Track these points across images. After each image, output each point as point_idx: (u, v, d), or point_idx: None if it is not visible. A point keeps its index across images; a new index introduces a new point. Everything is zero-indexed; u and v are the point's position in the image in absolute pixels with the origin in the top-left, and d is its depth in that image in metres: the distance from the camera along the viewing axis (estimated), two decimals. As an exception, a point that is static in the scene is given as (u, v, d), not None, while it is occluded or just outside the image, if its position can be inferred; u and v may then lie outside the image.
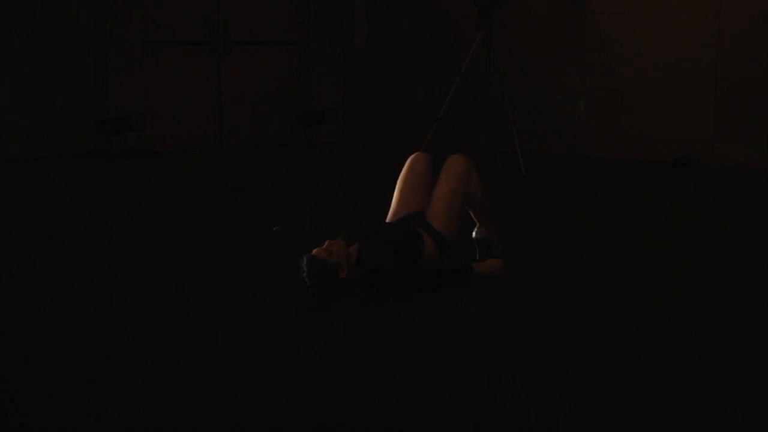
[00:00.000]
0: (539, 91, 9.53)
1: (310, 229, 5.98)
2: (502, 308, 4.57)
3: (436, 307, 4.53)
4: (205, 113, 10.01)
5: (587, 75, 9.48)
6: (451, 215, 4.82)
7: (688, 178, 8.37)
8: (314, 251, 4.48)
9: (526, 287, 4.91)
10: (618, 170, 8.77)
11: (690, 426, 3.23)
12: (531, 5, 9.68)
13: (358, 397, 3.44)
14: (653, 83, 9.10)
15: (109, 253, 5.64)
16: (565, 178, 8.47)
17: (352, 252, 4.57)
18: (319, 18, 10.54)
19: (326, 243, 4.51)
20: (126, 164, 9.07)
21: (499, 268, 4.89)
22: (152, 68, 9.62)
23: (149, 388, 3.50)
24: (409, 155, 5.11)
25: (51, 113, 9.20)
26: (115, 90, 9.41)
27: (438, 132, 8.88)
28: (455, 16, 9.98)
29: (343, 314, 4.43)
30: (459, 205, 4.86)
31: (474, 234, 5.10)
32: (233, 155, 9.92)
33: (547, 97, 9.56)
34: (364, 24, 10.46)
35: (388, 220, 4.91)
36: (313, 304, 4.47)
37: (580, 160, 9.25)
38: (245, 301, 4.63)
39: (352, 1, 10.35)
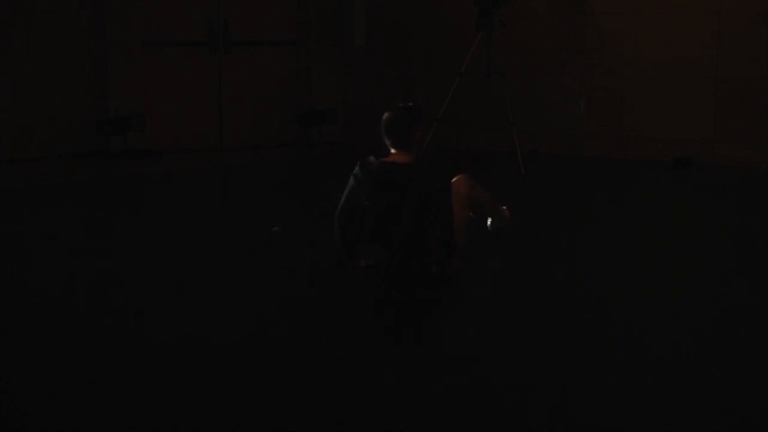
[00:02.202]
0: (539, 92, 9.53)
1: (310, 229, 5.99)
2: (502, 308, 4.57)
3: (436, 308, 4.54)
4: (205, 113, 10.02)
5: (587, 75, 9.48)
6: (459, 224, 4.83)
7: (688, 178, 8.37)
8: None
9: (526, 287, 4.91)
10: (618, 170, 8.77)
11: (690, 426, 3.23)
12: (531, 5, 9.68)
13: (358, 397, 3.44)
14: (653, 83, 9.10)
15: (109, 252, 5.64)
16: (565, 178, 8.46)
17: None
18: (319, 18, 10.54)
19: None
20: (126, 164, 9.07)
21: (509, 216, 4.98)
22: (152, 68, 9.62)
23: (149, 388, 3.51)
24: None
25: (51, 113, 9.20)
26: (115, 90, 9.41)
27: (438, 132, 8.87)
28: (455, 16, 9.98)
29: (342, 314, 4.44)
30: (462, 216, 4.89)
31: (489, 225, 5.12)
32: (233, 155, 9.92)
33: (547, 97, 9.55)
34: (364, 24, 10.46)
35: None
36: (339, 258, 4.65)
37: (580, 160, 9.24)
38: (245, 301, 4.64)
39: (352, 1, 10.35)
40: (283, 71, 10.46)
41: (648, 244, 5.88)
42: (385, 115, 4.75)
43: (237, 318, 4.35)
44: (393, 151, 4.78)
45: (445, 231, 4.68)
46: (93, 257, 5.54)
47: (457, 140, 9.77)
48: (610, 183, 8.25)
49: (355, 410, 3.32)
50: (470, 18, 8.90)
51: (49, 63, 9.12)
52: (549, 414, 3.30)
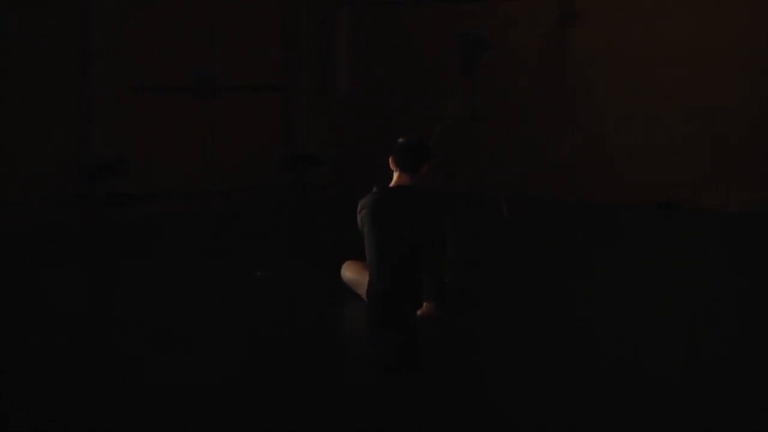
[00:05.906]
0: (524, 134, 9.61)
1: (296, 272, 6.01)
2: (504, 313, 4.59)
3: (430, 325, 4.56)
4: (192, 158, 10.02)
5: (571, 118, 9.54)
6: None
7: (673, 222, 8.36)
8: None
9: (516, 309, 4.95)
10: (604, 213, 8.80)
11: (690, 426, 3.24)
12: (514, 49, 9.76)
13: (358, 397, 3.44)
14: (638, 126, 9.15)
15: (97, 295, 5.65)
16: (551, 222, 8.49)
17: None
18: (306, 63, 10.63)
19: None
20: (112, 209, 9.04)
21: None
22: (139, 113, 9.63)
23: (149, 388, 3.50)
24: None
25: (36, 158, 9.16)
26: (101, 135, 9.41)
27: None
28: (441, 61, 10.07)
29: (342, 315, 4.49)
30: None
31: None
32: (220, 199, 9.90)
33: (531, 140, 9.62)
34: (350, 69, 10.56)
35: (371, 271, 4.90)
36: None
37: (566, 203, 9.26)
38: (244, 310, 4.65)
39: (338, 46, 10.46)
40: (270, 116, 10.51)
41: (638, 275, 5.94)
42: (400, 139, 5.13)
43: (237, 318, 4.37)
44: (397, 175, 5.08)
45: (433, 262, 4.69)
46: (82, 299, 5.54)
47: (442, 183, 9.78)
48: (596, 226, 8.28)
49: (355, 410, 3.33)
50: (455, 63, 8.98)
51: (34, 107, 9.11)
52: (548, 415, 3.31)
